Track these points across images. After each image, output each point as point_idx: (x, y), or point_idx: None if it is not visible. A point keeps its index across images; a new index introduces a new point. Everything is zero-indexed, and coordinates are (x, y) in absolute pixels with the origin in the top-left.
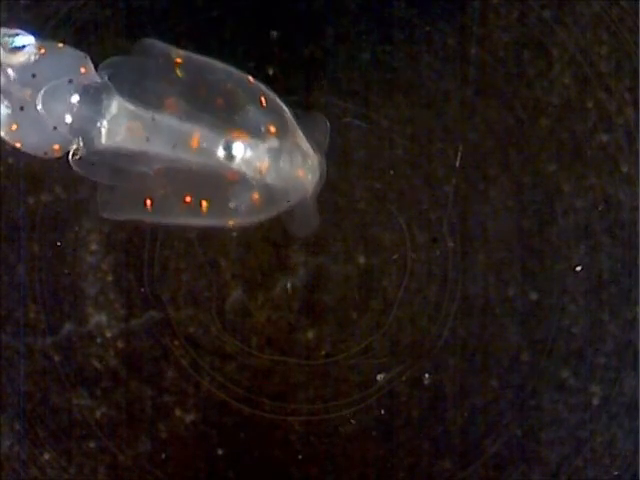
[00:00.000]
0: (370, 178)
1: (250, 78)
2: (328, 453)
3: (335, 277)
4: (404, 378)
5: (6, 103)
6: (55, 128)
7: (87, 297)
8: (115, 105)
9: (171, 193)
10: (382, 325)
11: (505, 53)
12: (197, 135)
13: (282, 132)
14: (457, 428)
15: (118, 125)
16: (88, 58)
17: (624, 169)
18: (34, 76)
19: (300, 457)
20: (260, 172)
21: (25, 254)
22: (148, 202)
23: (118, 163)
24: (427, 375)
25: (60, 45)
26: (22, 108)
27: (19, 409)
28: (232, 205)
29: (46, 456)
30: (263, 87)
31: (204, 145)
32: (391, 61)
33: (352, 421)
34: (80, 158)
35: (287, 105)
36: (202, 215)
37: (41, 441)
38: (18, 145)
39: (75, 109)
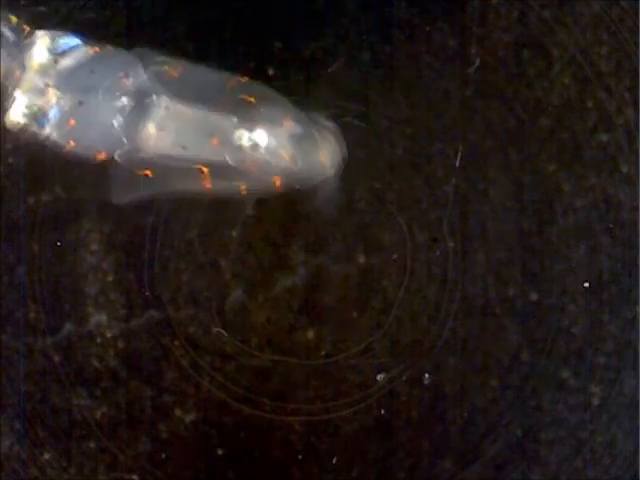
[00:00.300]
0: (370, 178)
1: (242, 78)
2: (328, 453)
3: (335, 277)
4: (404, 378)
5: (65, 98)
6: (109, 126)
7: (87, 297)
8: (163, 106)
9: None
10: (382, 325)
11: (505, 53)
12: (225, 128)
13: (296, 119)
14: (457, 428)
15: (165, 126)
16: (138, 60)
17: (624, 169)
18: (92, 71)
19: (300, 457)
20: (284, 159)
21: (25, 254)
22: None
23: (159, 164)
24: (427, 375)
25: (110, 47)
26: (80, 102)
27: (19, 409)
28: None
29: (46, 456)
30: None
31: (230, 137)
32: (391, 61)
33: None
34: (126, 159)
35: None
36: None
37: (41, 441)
38: (72, 144)
39: (126, 110)
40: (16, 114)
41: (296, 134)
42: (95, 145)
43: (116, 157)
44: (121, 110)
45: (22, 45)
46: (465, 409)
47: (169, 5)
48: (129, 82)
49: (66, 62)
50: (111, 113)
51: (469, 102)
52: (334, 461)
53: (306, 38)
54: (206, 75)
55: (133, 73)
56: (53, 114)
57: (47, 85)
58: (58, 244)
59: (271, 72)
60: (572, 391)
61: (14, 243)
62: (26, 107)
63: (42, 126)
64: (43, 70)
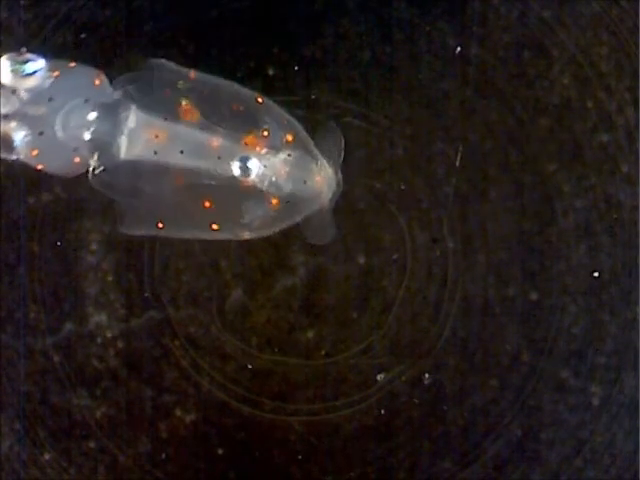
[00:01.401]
0: (370, 178)
1: (259, 98)
2: (328, 453)
3: (335, 277)
4: (404, 378)
5: (25, 129)
6: (76, 149)
7: (87, 297)
8: (133, 118)
9: (183, 211)
10: (382, 325)
11: (505, 53)
12: (215, 144)
13: (297, 142)
14: (457, 428)
15: (137, 137)
16: (102, 74)
17: (624, 169)
18: (50, 99)
19: (300, 457)
20: (277, 185)
21: (25, 254)
22: (160, 224)
23: (134, 180)
24: (427, 375)
25: (72, 64)
26: (41, 133)
27: (19, 409)
28: (246, 220)
29: (46, 456)
30: (272, 103)
31: (221, 155)
32: (391, 61)
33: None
34: (99, 175)
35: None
36: (214, 231)
37: (41, 441)
38: (41, 167)
39: (93, 126)
40: None
41: (290, 158)
42: (64, 167)
43: (89, 174)
44: (89, 127)
45: None
46: (465, 409)
47: (169, 5)
48: (95, 98)
49: (25, 92)
50: (78, 135)
51: (469, 102)
52: (334, 461)
53: (306, 38)
54: (219, 91)
55: (98, 88)
56: (17, 141)
57: (6, 116)
58: (58, 244)
59: (271, 72)
60: (572, 391)
61: (14, 243)
62: None
63: (8, 151)
64: (5, 98)
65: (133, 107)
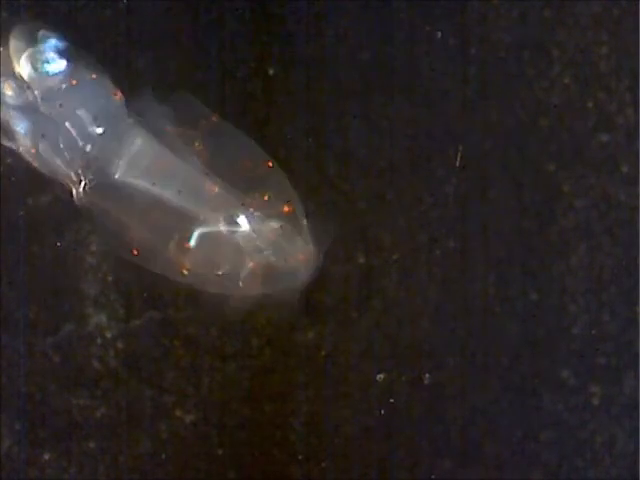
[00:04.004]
0: (370, 178)
1: (269, 162)
2: (328, 453)
3: (335, 277)
4: (404, 378)
5: (30, 124)
6: (72, 159)
7: (87, 297)
8: (139, 142)
9: (160, 245)
10: (382, 325)
11: (505, 53)
12: (213, 193)
13: (292, 216)
14: (457, 428)
15: (139, 163)
16: (119, 92)
17: (624, 169)
18: (61, 106)
19: (300, 457)
20: (259, 250)
21: (25, 254)
22: (135, 252)
23: (120, 204)
24: (427, 375)
25: (93, 76)
26: (43, 135)
27: (19, 409)
28: (220, 272)
29: (46, 456)
30: (280, 171)
31: (215, 205)
32: (391, 61)
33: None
34: (87, 192)
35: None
36: (185, 275)
37: (41, 441)
38: (36, 165)
39: (97, 141)
40: None
41: (280, 228)
42: (56, 173)
43: (79, 188)
44: (93, 141)
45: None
46: (465, 409)
47: (169, 5)
48: (106, 114)
49: (39, 89)
50: (79, 146)
51: (469, 102)
52: (334, 461)
53: (306, 38)
54: (235, 142)
55: (113, 104)
56: (22, 132)
57: (16, 107)
58: (58, 244)
59: (271, 72)
60: (572, 391)
61: (14, 243)
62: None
63: (11, 140)
64: (20, 89)
65: (143, 132)
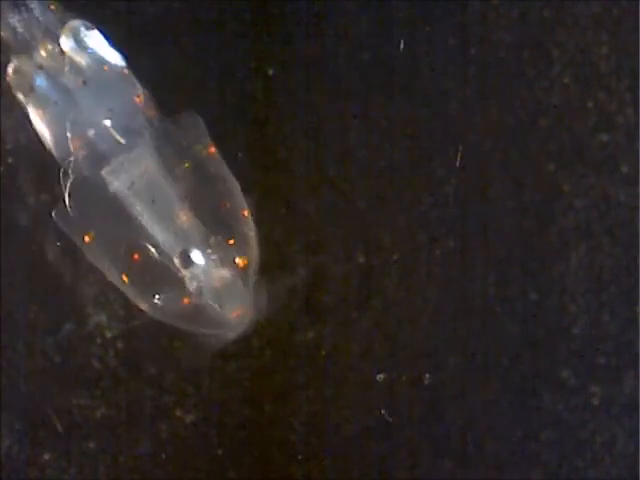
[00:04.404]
0: (370, 178)
1: (245, 212)
2: (328, 453)
3: (335, 277)
4: (404, 378)
5: (49, 86)
6: (73, 135)
7: (87, 297)
8: (138, 150)
9: (113, 244)
10: (382, 325)
11: (505, 53)
12: (181, 220)
13: (244, 272)
14: (457, 428)
15: (128, 167)
16: (142, 95)
17: (624, 169)
18: (84, 83)
19: (300, 457)
20: (200, 291)
21: (25, 254)
22: (87, 238)
23: (94, 200)
24: (427, 375)
25: (125, 71)
26: (56, 102)
27: (19, 409)
28: (155, 301)
29: (46, 456)
30: (252, 225)
31: (178, 234)
32: (391, 61)
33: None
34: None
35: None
36: (123, 283)
37: (41, 441)
38: (36, 128)
39: (101, 130)
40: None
41: (228, 279)
42: (51, 144)
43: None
44: (98, 127)
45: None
46: (465, 409)
47: (169, 5)
48: (121, 111)
49: (71, 60)
50: (84, 128)
51: (469, 102)
52: (334, 461)
53: (306, 38)
54: (220, 180)
55: (132, 106)
56: (38, 85)
57: (41, 66)
58: (58, 244)
59: (271, 72)
60: (572, 391)
61: (14, 243)
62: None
63: (25, 90)
64: (52, 54)
65: (146, 140)
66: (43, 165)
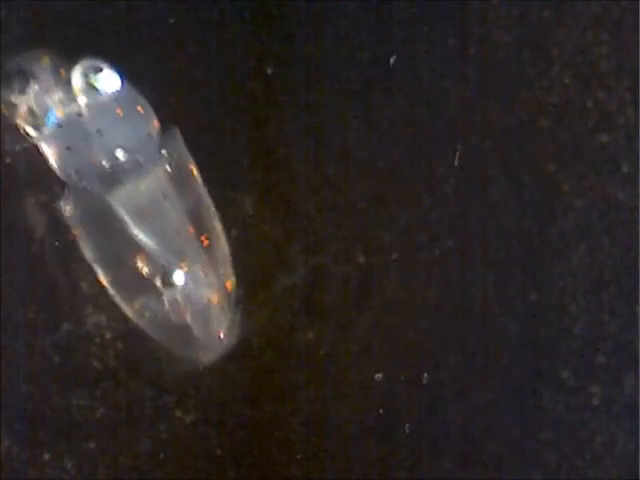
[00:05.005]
0: (370, 178)
1: (205, 240)
2: (328, 453)
3: (335, 277)
4: (403, 378)
5: (62, 134)
6: (85, 172)
7: (87, 297)
8: (148, 181)
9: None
10: (381, 325)
11: (505, 53)
12: (182, 235)
13: (227, 295)
14: (457, 428)
15: (138, 194)
16: (157, 123)
17: (624, 169)
18: (98, 132)
19: (299, 457)
20: (177, 312)
21: (25, 254)
22: (76, 231)
23: (95, 217)
24: (426, 375)
25: (139, 109)
26: (68, 148)
27: (19, 409)
28: (136, 307)
29: (46, 456)
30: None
31: (167, 250)
32: (391, 61)
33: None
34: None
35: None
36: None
37: (41, 441)
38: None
39: (115, 162)
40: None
41: (208, 305)
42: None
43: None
44: (112, 158)
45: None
46: (465, 409)
47: (169, 5)
48: (136, 147)
49: (85, 105)
50: (92, 165)
51: (469, 102)
52: (334, 461)
53: (306, 38)
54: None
55: (146, 141)
56: (48, 125)
57: (49, 109)
58: (57, 244)
59: (271, 72)
60: (572, 391)
61: (14, 243)
62: (34, 102)
63: (34, 127)
64: (67, 99)
65: (158, 171)
66: (43, 165)
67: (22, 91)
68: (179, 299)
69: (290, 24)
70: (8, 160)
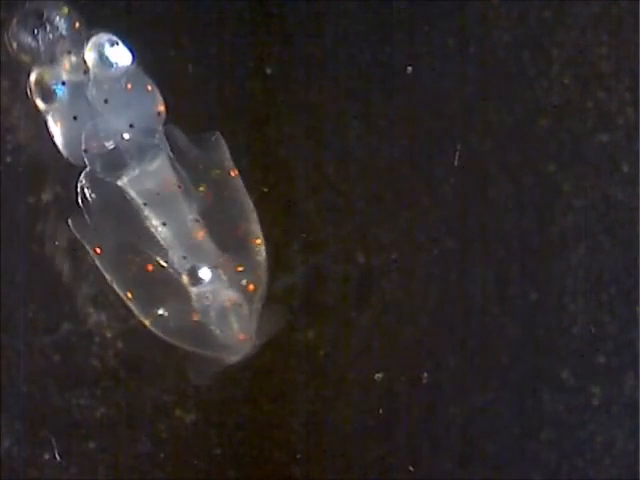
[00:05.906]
0: (370, 178)
1: (258, 240)
2: (328, 453)
3: (334, 277)
4: (403, 378)
5: (69, 100)
6: (89, 146)
7: (86, 297)
8: (156, 164)
9: (123, 260)
10: (381, 324)
11: (505, 53)
12: (196, 240)
13: (251, 298)
14: (456, 428)
15: (145, 181)
16: (164, 107)
17: (624, 169)
18: (106, 101)
19: (299, 457)
20: (206, 310)
21: (25, 254)
22: (98, 249)
23: (107, 205)
24: (425, 374)
25: (149, 87)
26: (75, 118)
27: (19, 409)
28: (160, 312)
29: (46, 456)
30: (264, 252)
31: (190, 252)
32: (391, 61)
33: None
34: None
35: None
36: (127, 297)
37: (41, 441)
38: (52, 134)
39: (120, 143)
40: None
41: (236, 306)
42: (66, 151)
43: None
44: (118, 139)
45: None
46: (465, 409)
47: (169, 5)
48: (142, 126)
49: (94, 76)
50: (96, 140)
51: (469, 102)
52: (334, 461)
53: (306, 38)
54: (237, 206)
55: (153, 121)
56: (59, 96)
57: (64, 82)
58: (57, 244)
59: (270, 72)
60: (572, 391)
61: (14, 243)
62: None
63: (47, 99)
64: (77, 67)
65: (164, 156)
66: (43, 165)
67: (36, 34)
68: (208, 298)
69: (290, 24)
70: (9, 159)
